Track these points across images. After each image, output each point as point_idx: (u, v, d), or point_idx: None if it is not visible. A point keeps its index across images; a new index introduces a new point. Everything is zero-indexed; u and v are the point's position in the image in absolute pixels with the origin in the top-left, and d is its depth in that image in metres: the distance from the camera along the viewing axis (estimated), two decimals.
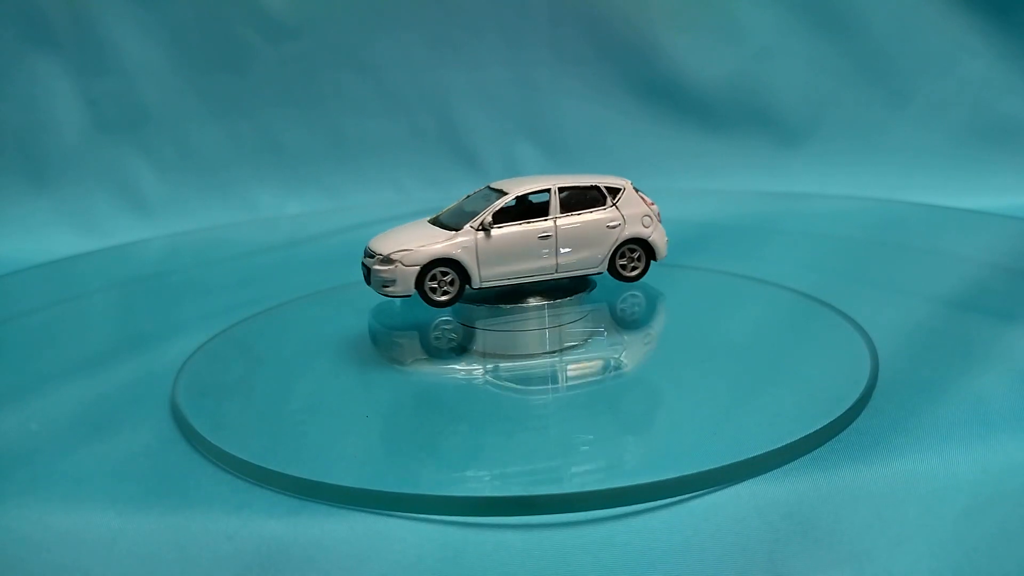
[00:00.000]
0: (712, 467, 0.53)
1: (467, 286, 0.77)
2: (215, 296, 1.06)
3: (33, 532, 0.54)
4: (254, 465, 0.58)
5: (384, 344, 0.83)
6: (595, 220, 0.79)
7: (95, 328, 1.02)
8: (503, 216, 0.78)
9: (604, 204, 0.79)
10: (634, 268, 0.82)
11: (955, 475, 0.54)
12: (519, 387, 0.71)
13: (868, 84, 1.55)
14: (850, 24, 1.54)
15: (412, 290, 0.76)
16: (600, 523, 0.51)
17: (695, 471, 0.53)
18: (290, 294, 0.99)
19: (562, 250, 0.78)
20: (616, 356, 0.77)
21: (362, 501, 0.53)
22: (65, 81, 1.53)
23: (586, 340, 0.78)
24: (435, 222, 0.80)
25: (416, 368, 0.76)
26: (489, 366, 0.74)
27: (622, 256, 0.81)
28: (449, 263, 0.76)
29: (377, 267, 0.76)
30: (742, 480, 0.54)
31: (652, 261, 0.83)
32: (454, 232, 0.76)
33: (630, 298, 0.89)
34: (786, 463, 0.56)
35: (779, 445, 0.56)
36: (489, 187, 0.82)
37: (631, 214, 0.80)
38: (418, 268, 0.75)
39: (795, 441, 0.57)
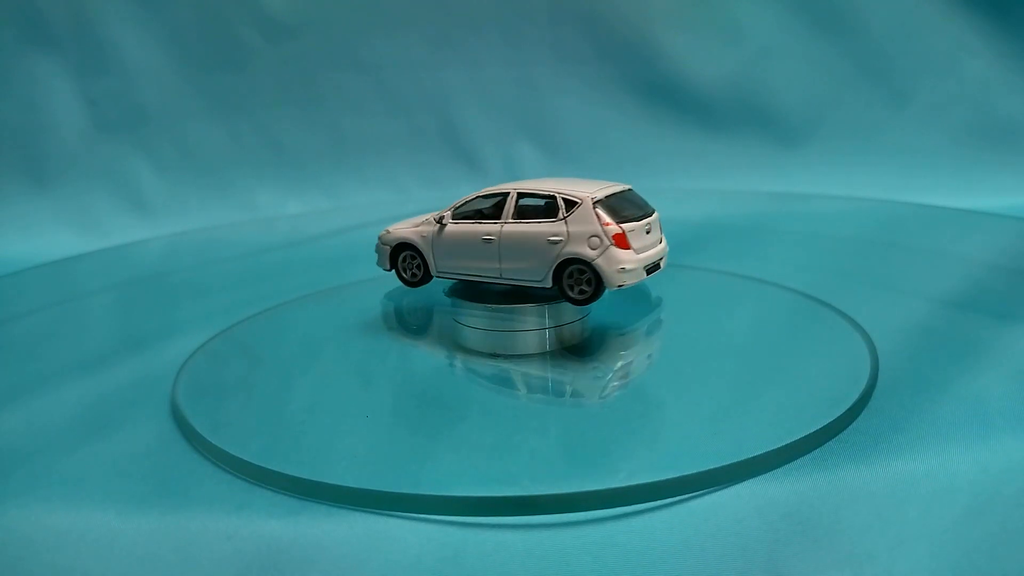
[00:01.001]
0: (712, 467, 0.53)
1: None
2: (215, 296, 1.06)
3: (33, 532, 0.53)
4: (254, 465, 0.58)
5: (384, 344, 0.83)
6: (537, 232, 0.74)
7: (95, 328, 1.02)
8: (477, 214, 0.79)
9: (556, 216, 0.74)
10: (581, 292, 0.74)
11: (955, 475, 0.54)
12: (519, 387, 0.71)
13: (868, 84, 1.55)
14: (850, 24, 1.54)
15: (388, 266, 0.84)
16: (600, 523, 0.50)
17: (695, 471, 0.53)
18: (290, 294, 0.99)
19: (503, 256, 0.76)
20: (616, 356, 0.77)
21: (362, 501, 0.53)
22: (65, 81, 1.53)
23: (585, 339, 0.78)
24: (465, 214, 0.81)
25: (416, 368, 0.76)
26: (489, 366, 0.74)
27: (570, 275, 0.74)
28: (413, 248, 0.81)
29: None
30: (742, 480, 0.54)
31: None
32: (433, 222, 0.80)
33: (631, 298, 0.89)
34: (786, 463, 0.55)
35: (779, 445, 0.56)
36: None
37: (577, 231, 0.72)
38: (389, 248, 0.83)
39: (795, 441, 0.57)
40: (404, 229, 0.82)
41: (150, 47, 1.54)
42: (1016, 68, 1.52)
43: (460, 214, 0.80)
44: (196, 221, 1.51)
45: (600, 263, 0.72)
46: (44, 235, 1.50)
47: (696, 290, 0.96)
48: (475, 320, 0.77)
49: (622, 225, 0.72)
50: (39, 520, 0.55)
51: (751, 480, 0.54)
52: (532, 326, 0.76)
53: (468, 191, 0.84)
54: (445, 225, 0.79)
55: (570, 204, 0.74)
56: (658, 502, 0.52)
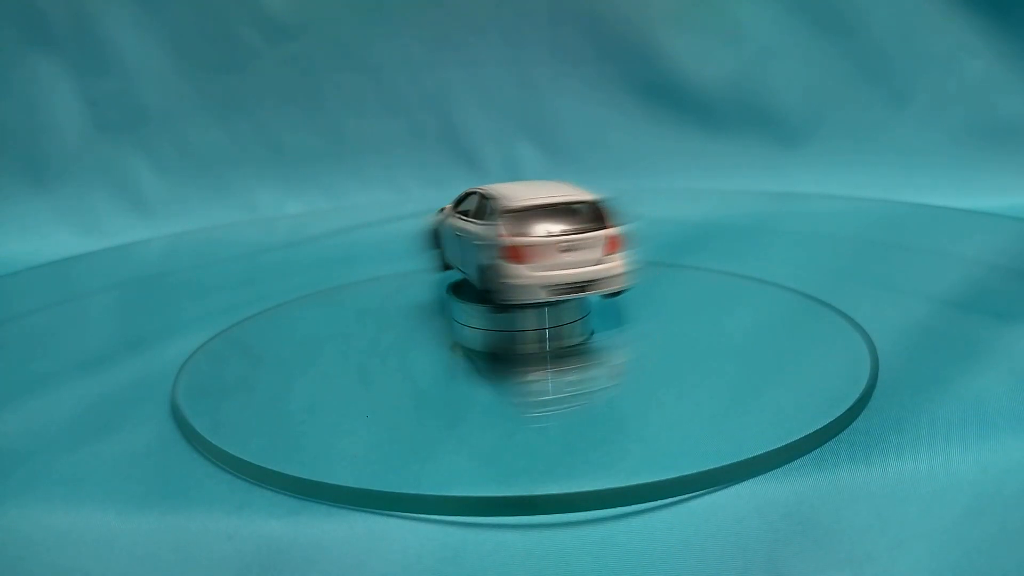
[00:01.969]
0: (712, 467, 0.53)
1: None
2: (215, 296, 1.05)
3: (33, 532, 0.53)
4: (254, 465, 0.57)
5: (384, 344, 0.83)
6: (472, 232, 0.75)
7: (95, 328, 1.02)
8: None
9: (488, 220, 0.73)
10: (486, 296, 0.74)
11: (955, 475, 0.54)
12: (518, 387, 0.71)
13: (868, 84, 1.55)
14: (850, 24, 1.54)
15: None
16: (600, 523, 0.50)
17: (695, 471, 0.53)
18: (290, 294, 0.98)
19: (464, 252, 0.78)
20: (616, 356, 0.77)
21: (362, 501, 0.53)
22: (65, 81, 1.53)
23: (585, 340, 0.78)
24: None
25: (416, 368, 0.76)
26: (489, 366, 0.74)
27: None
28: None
29: None
30: (742, 480, 0.54)
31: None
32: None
33: (630, 299, 0.87)
34: (786, 463, 0.55)
35: (779, 445, 0.56)
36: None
37: (490, 237, 0.71)
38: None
39: (795, 441, 0.57)
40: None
41: (150, 47, 1.53)
42: (1016, 68, 1.52)
43: (461, 210, 0.81)
44: (196, 221, 1.50)
45: (490, 274, 0.71)
46: (44, 235, 1.49)
47: (696, 290, 0.96)
48: (475, 320, 0.77)
49: (524, 238, 0.68)
50: (39, 520, 0.55)
51: (751, 480, 0.54)
52: (531, 326, 0.75)
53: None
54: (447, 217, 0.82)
55: (495, 210, 0.71)
56: (658, 502, 0.52)
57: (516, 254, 0.69)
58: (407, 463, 0.58)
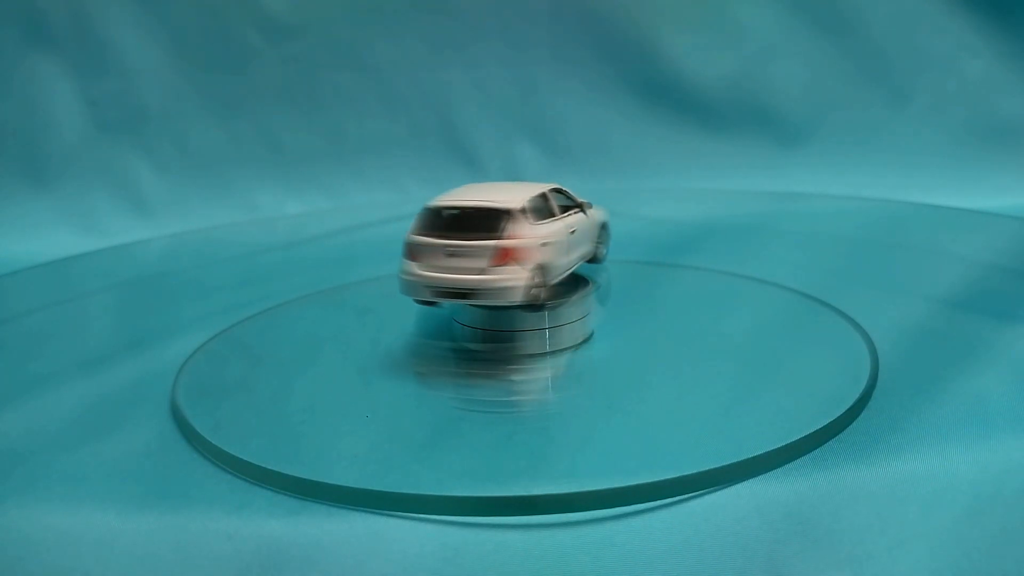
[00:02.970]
0: (712, 467, 0.53)
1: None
2: (215, 296, 1.05)
3: (33, 532, 0.53)
4: (254, 465, 0.57)
5: (384, 344, 0.82)
6: None
7: (95, 328, 1.02)
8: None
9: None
10: None
11: (955, 475, 0.54)
12: (518, 387, 0.71)
13: (868, 84, 1.55)
14: (850, 24, 1.53)
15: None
16: (600, 523, 0.50)
17: (695, 471, 0.53)
18: (290, 294, 0.98)
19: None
20: (615, 356, 0.77)
21: (362, 501, 0.53)
22: (65, 81, 1.53)
23: (585, 340, 0.78)
24: None
25: (415, 368, 0.76)
26: (488, 366, 0.74)
27: None
28: None
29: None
30: (742, 480, 0.54)
31: None
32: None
33: (630, 298, 0.89)
34: (786, 463, 0.55)
35: (779, 445, 0.56)
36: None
37: None
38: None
39: (795, 441, 0.57)
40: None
41: (150, 47, 1.53)
42: (1016, 68, 1.51)
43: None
44: (196, 221, 1.50)
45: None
46: (44, 235, 1.49)
47: (695, 290, 0.96)
48: (474, 319, 0.77)
49: (414, 235, 0.71)
50: (39, 520, 0.55)
51: (751, 480, 0.54)
52: (531, 326, 0.75)
53: None
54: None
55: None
56: (658, 502, 0.52)
57: (407, 251, 0.71)
58: (407, 463, 0.58)
